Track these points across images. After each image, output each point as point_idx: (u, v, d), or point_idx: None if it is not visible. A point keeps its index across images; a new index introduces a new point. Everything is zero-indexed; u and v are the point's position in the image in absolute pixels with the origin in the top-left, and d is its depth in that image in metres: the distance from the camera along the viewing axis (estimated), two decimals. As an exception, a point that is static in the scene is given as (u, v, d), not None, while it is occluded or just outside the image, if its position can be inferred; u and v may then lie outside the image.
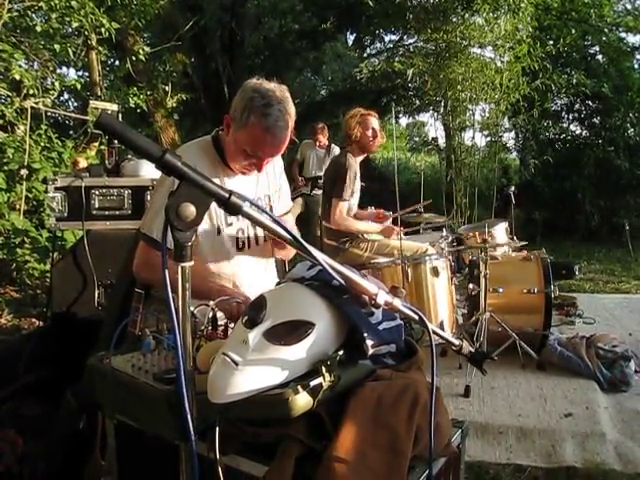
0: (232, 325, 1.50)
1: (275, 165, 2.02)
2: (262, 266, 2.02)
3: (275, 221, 0.96)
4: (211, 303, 1.55)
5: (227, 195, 0.90)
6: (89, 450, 1.49)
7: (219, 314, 1.56)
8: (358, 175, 3.80)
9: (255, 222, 0.95)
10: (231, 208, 0.91)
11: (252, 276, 1.98)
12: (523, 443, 2.55)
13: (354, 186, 3.75)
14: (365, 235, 3.83)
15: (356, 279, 1.09)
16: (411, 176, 11.62)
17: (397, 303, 1.10)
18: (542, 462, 2.42)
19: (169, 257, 0.86)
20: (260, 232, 1.97)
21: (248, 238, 1.94)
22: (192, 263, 0.89)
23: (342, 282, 1.05)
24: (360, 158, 3.85)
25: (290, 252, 2.11)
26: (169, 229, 0.85)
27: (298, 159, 6.97)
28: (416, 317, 1.13)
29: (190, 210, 0.85)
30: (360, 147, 3.76)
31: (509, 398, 3.04)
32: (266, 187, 2.00)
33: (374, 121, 3.77)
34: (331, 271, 1.01)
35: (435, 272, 3.27)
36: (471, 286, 3.58)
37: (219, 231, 1.85)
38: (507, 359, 3.31)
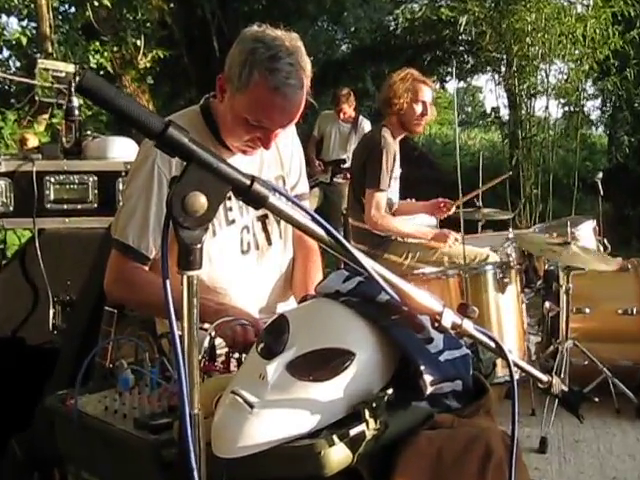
0: (236, 356, 1.50)
1: (288, 137, 2.01)
2: (277, 277, 2.01)
3: (311, 216, 0.96)
4: (207, 326, 1.54)
5: (249, 182, 0.91)
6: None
7: (217, 341, 1.55)
8: (398, 158, 3.75)
9: (285, 218, 0.96)
10: (253, 199, 0.91)
11: (263, 291, 1.97)
12: (619, 515, 2.78)
13: (393, 172, 3.70)
14: (405, 238, 3.83)
15: (414, 293, 1.08)
16: (463, 159, 11.77)
17: (468, 326, 1.10)
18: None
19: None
20: (274, 231, 1.97)
21: (256, 239, 1.93)
22: (200, 272, 0.89)
23: (395, 297, 1.04)
24: (399, 138, 3.78)
25: (314, 270, 2.06)
26: (170, 227, 0.84)
27: (315, 136, 6.85)
28: (492, 344, 1.12)
29: (200, 202, 0.85)
30: (402, 123, 3.69)
31: (599, 455, 3.03)
32: (277, 167, 2.00)
33: (427, 92, 3.69)
34: (382, 281, 1.00)
35: (500, 286, 3.21)
36: (547, 305, 3.54)
37: (214, 233, 1.85)
38: (596, 402, 3.32)
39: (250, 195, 0.92)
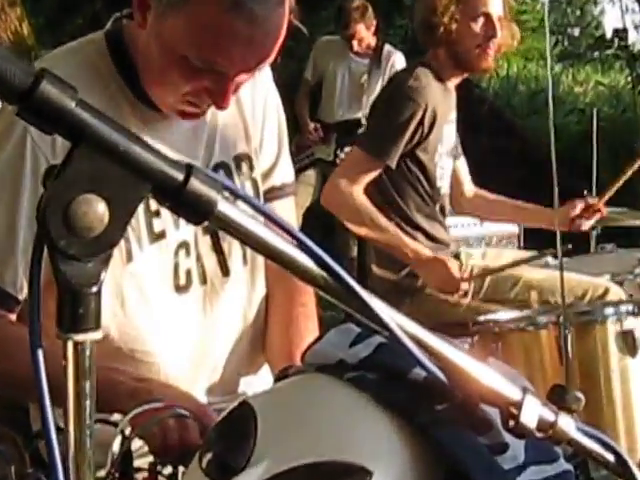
0: (166, 470, 1.40)
1: (258, 90, 1.82)
2: (238, 331, 1.82)
3: (295, 237, 0.90)
4: (118, 419, 1.42)
5: (181, 176, 0.84)
6: None
7: (136, 443, 1.42)
8: (441, 116, 3.32)
9: (249, 242, 0.88)
10: (189, 207, 0.84)
11: (214, 355, 1.77)
12: None
13: (428, 145, 3.34)
14: (462, 256, 3.47)
15: (472, 366, 1.02)
16: (565, 118, 9.45)
17: (567, 425, 1.03)
18: None
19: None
20: (234, 252, 1.77)
21: (201, 266, 1.75)
22: (100, 335, 0.84)
23: (439, 372, 0.99)
24: (453, 82, 3.41)
25: (309, 328, 1.90)
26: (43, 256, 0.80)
27: (308, 81, 6.07)
28: (610, 456, 1.06)
29: (96, 213, 0.80)
30: (455, 56, 3.29)
31: None
32: (239, 140, 1.81)
33: (493, 0, 3.21)
34: (416, 345, 0.96)
35: (628, 344, 2.85)
36: None
37: (130, 256, 1.67)
38: None
39: (184, 200, 0.84)
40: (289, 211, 1.96)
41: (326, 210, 3.59)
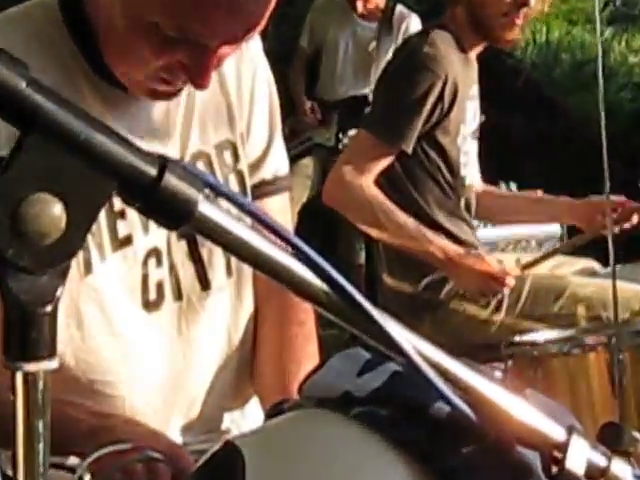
0: None
1: (245, 64, 1.70)
2: (221, 357, 1.72)
3: (291, 243, 0.85)
4: (75, 462, 1.38)
5: (154, 170, 0.80)
6: None
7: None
8: (463, 90, 3.17)
9: (235, 250, 0.85)
10: (163, 208, 0.82)
11: (192, 385, 1.67)
12: None
13: (446, 125, 3.17)
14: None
15: (506, 399, 1.00)
16: (616, 94, 8.74)
17: (622, 472, 1.01)
18: None
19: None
20: (215, 261, 1.68)
21: (176, 277, 1.65)
22: (55, 364, 0.82)
23: (466, 408, 0.98)
24: (475, 51, 3.26)
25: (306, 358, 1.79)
26: None
27: (304, 49, 5.66)
28: None
29: (51, 216, 0.77)
30: (477, 20, 3.13)
31: None
32: (221, 124, 1.70)
33: None
34: (438, 375, 0.93)
35: None
36: None
37: (88, 267, 1.58)
38: None
39: (157, 200, 0.81)
40: (283, 211, 1.83)
41: (326, 207, 3.40)
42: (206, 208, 0.85)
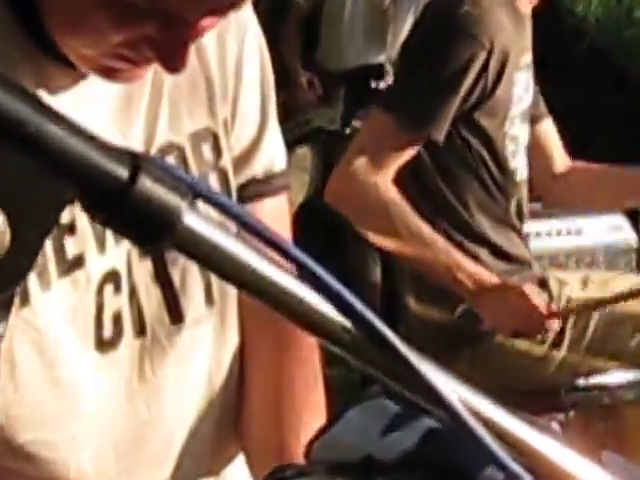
0: None
1: (228, 30, 1.42)
2: (197, 409, 1.45)
3: (291, 256, 0.70)
4: None
5: (126, 172, 0.68)
6: None
7: None
8: (513, 60, 2.66)
9: (219, 270, 0.71)
10: (140, 222, 0.69)
11: (159, 446, 1.43)
12: None
13: (491, 90, 2.61)
14: (551, 282, 2.78)
15: (569, 464, 0.88)
16: None
17: None
18: None
19: None
20: (191, 281, 1.39)
21: (138, 306, 1.37)
22: None
23: (523, 475, 0.81)
24: (528, 5, 2.72)
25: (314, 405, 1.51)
26: None
27: (301, 4, 4.67)
28: None
29: None
30: None
31: None
32: (198, 109, 1.41)
33: None
34: (483, 433, 0.78)
35: None
36: None
37: (25, 297, 1.31)
38: None
39: (130, 211, 0.69)
40: (279, 218, 1.51)
41: (329, 209, 2.86)
42: (192, 220, 0.71)
